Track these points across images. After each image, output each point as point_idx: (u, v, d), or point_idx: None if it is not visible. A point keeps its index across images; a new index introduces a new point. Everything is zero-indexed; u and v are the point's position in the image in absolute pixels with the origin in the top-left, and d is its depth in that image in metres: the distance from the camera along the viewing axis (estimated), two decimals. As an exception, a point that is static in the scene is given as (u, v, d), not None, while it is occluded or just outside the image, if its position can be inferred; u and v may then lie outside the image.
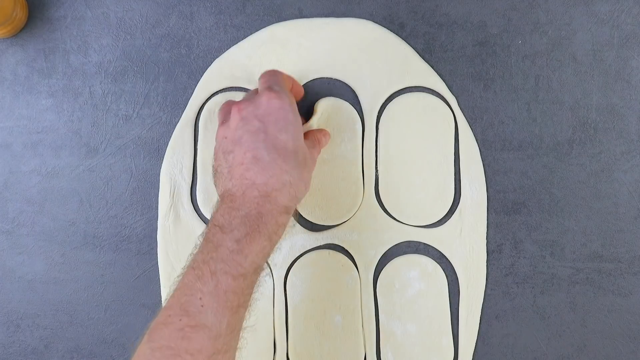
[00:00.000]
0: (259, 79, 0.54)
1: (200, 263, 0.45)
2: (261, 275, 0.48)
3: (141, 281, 0.62)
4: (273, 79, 0.53)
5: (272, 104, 0.50)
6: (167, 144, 0.62)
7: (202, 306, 0.43)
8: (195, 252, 0.47)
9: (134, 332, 0.62)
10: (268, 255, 0.48)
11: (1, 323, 0.63)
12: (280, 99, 0.50)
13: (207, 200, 0.61)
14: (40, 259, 0.62)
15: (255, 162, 0.48)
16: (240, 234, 0.46)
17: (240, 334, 0.46)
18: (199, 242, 0.48)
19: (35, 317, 0.63)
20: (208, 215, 0.61)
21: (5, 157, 0.63)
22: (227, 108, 0.54)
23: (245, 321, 0.47)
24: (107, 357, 0.62)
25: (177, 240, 0.61)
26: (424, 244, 0.61)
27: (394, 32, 0.61)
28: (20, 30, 0.63)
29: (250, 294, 0.47)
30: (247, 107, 0.50)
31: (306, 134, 0.57)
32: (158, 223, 0.62)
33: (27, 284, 0.63)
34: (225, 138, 0.51)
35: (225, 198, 0.49)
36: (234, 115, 0.51)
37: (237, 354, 0.46)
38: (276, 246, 0.49)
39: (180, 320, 0.43)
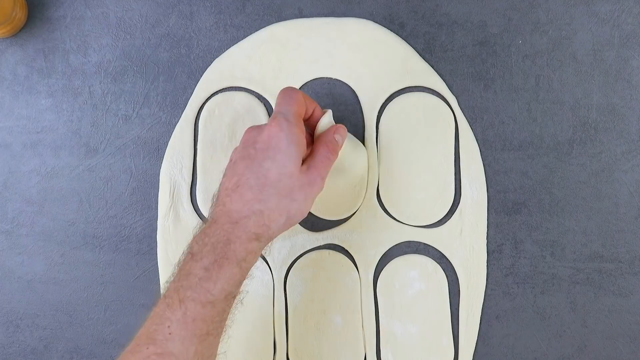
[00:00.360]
0: (278, 94, 0.53)
1: (172, 291, 0.46)
2: (235, 301, 0.48)
3: (141, 281, 0.62)
4: (285, 103, 0.51)
5: (270, 132, 0.49)
6: (167, 144, 0.62)
7: (169, 334, 0.43)
8: (170, 280, 0.47)
9: (133, 333, 0.61)
10: (239, 282, 0.47)
11: (1, 323, 0.63)
12: (278, 126, 0.49)
13: (207, 200, 0.61)
14: (40, 259, 0.62)
15: (236, 189, 0.48)
16: (209, 261, 0.46)
17: None
18: (175, 270, 0.48)
19: (34, 317, 0.63)
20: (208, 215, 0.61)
21: (4, 157, 0.63)
22: None
23: (220, 347, 0.47)
24: (106, 358, 0.62)
25: (176, 240, 0.61)
26: (424, 244, 0.61)
27: (394, 32, 0.61)
28: (20, 30, 0.63)
29: (222, 321, 0.47)
30: (252, 132, 0.51)
31: (318, 140, 0.54)
32: (158, 223, 0.62)
33: (26, 284, 0.63)
34: (230, 160, 0.51)
35: (205, 224, 0.49)
36: (242, 139, 0.51)
37: None
38: (249, 272, 0.48)
39: (147, 348, 0.43)
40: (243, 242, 0.47)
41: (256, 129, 0.51)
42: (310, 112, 0.55)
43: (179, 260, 0.48)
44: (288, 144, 0.49)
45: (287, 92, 0.53)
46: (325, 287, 0.60)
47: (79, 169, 0.62)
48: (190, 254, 0.47)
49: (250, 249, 0.47)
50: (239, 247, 0.46)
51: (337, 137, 0.54)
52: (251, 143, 0.50)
